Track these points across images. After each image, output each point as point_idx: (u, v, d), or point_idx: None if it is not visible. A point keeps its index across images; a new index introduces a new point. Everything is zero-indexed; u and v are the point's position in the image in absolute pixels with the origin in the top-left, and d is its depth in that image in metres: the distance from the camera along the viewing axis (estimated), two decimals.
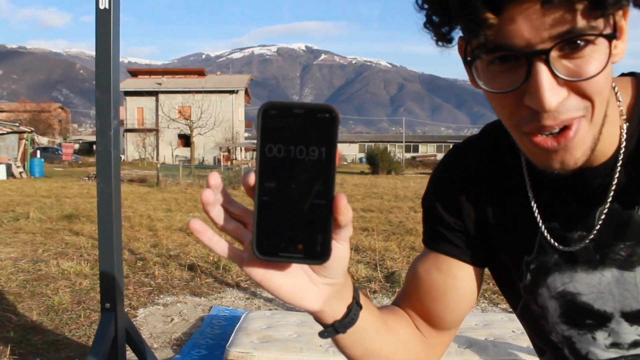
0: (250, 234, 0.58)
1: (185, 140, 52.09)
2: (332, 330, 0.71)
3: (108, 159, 2.75)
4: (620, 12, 0.67)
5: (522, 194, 0.85)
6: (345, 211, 0.55)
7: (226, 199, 0.59)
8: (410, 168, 47.28)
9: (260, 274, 0.60)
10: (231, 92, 55.58)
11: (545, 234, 0.82)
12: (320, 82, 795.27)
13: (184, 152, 50.82)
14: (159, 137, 54.34)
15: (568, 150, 0.69)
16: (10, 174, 23.81)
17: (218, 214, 0.58)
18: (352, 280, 0.71)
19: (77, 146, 57.53)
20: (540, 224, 0.83)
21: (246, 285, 6.01)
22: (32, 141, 30.13)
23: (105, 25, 2.69)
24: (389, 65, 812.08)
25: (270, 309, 5.24)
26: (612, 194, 0.77)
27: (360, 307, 0.73)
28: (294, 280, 0.62)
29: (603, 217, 0.78)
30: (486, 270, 0.96)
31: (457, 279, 0.91)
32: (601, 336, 0.83)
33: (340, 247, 0.59)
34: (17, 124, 30.38)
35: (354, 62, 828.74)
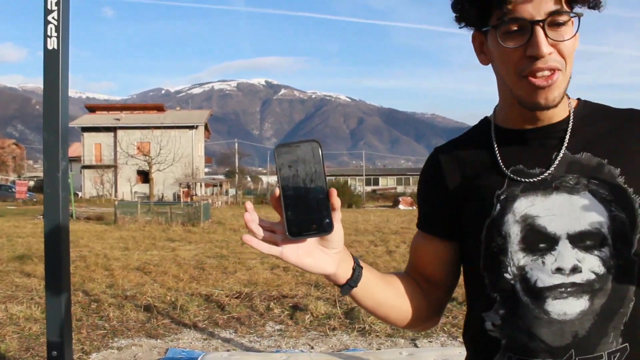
0: (279, 237, 0.93)
1: (144, 176, 51.31)
2: (348, 286, 1.06)
3: (56, 201, 2.68)
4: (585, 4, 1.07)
5: (491, 152, 1.16)
6: (336, 199, 0.91)
7: (259, 218, 0.93)
8: (371, 201, 47.70)
9: (294, 256, 0.95)
10: (191, 127, 55.27)
11: (511, 174, 1.12)
12: (280, 116, 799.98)
13: (143, 188, 50.07)
14: (117, 174, 53.32)
15: (551, 89, 1.03)
16: None
17: (257, 228, 0.92)
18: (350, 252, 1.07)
19: (31, 183, 55.89)
20: (507, 169, 1.13)
21: (204, 326, 5.88)
22: None
23: (54, 66, 2.66)
24: (348, 99, 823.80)
25: (228, 350, 5.13)
26: (565, 144, 1.10)
27: (361, 267, 1.08)
28: (316, 258, 0.98)
29: (559, 158, 1.09)
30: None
31: (439, 250, 1.22)
32: (549, 260, 1.05)
33: (337, 226, 0.94)
34: None
35: (313, 96, 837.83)
